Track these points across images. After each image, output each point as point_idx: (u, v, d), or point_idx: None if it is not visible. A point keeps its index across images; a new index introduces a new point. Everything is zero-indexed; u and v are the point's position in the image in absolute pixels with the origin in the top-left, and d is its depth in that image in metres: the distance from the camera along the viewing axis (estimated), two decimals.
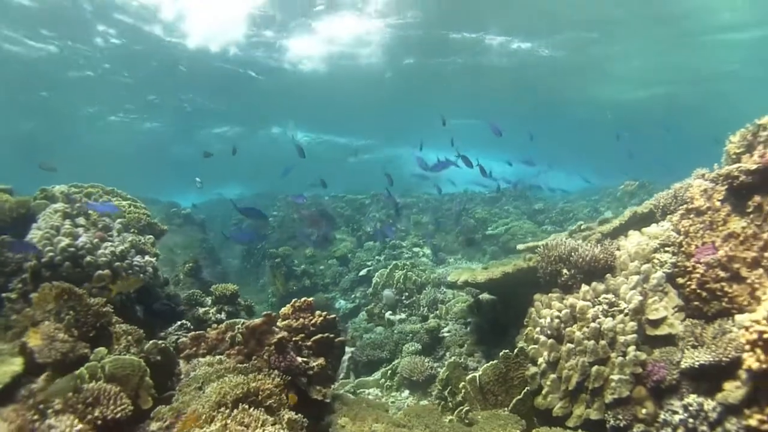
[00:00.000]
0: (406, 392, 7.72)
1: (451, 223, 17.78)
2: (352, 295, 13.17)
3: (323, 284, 14.36)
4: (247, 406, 3.92)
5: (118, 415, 4.21)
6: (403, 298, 10.57)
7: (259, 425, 3.64)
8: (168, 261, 12.78)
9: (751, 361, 4.25)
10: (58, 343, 4.80)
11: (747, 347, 4.35)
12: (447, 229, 17.33)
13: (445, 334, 8.77)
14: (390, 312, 10.43)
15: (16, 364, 4.60)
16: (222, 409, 3.94)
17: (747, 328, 4.39)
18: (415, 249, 14.74)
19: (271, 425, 3.72)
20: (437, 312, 9.71)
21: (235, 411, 3.81)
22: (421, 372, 7.62)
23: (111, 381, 4.52)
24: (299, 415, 4.25)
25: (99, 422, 4.11)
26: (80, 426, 4.00)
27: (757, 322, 4.25)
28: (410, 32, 20.29)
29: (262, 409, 3.93)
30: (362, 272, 13.36)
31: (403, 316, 10.19)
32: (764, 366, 4.14)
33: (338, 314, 12.45)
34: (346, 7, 18.40)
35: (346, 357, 9.08)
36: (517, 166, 16.69)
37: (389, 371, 8.21)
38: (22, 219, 6.87)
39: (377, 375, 8.40)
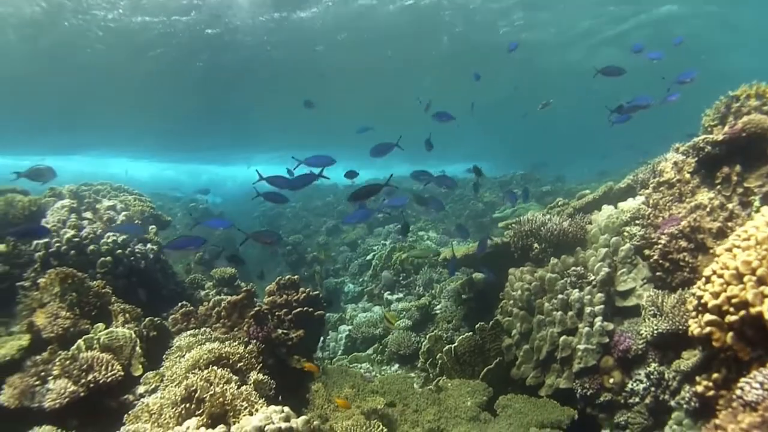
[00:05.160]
0: (396, 366, 8.15)
1: (460, 207, 18.10)
2: (360, 279, 13.56)
3: (334, 269, 14.78)
4: (215, 368, 4.43)
5: (109, 380, 4.76)
6: (401, 278, 11.03)
7: (223, 382, 4.13)
8: (185, 253, 13.22)
9: (693, 326, 4.24)
10: (60, 320, 5.37)
11: (693, 314, 4.32)
12: (456, 214, 17.66)
13: (437, 311, 9.18)
14: (388, 292, 10.90)
15: (24, 340, 5.17)
16: (195, 370, 4.46)
17: (693, 294, 4.43)
18: (420, 233, 15.12)
19: (235, 383, 4.20)
20: (432, 291, 10.13)
21: (205, 371, 4.32)
22: (407, 346, 8.05)
23: (105, 351, 5.07)
24: (266, 377, 4.72)
25: (92, 385, 4.66)
26: (73, 388, 4.56)
27: (698, 287, 4.24)
28: None
29: (228, 369, 4.43)
30: (368, 257, 13.76)
31: (400, 295, 10.66)
32: (704, 331, 4.10)
33: (347, 297, 12.93)
34: None
35: (343, 335, 9.59)
36: None
37: (380, 347, 8.67)
38: (33, 216, 7.44)
39: (370, 351, 8.87)
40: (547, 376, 6.07)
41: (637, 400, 5.23)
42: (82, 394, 4.61)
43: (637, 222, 6.13)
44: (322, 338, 9.24)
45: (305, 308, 6.15)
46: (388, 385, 6.03)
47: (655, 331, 5.12)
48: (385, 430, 4.65)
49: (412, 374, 7.61)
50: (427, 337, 7.40)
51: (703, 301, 4.08)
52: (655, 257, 5.63)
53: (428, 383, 6.63)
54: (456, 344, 6.68)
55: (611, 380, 5.45)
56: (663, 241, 5.56)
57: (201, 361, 4.62)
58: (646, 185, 6.40)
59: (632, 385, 5.28)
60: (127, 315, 5.95)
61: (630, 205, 6.42)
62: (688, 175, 5.97)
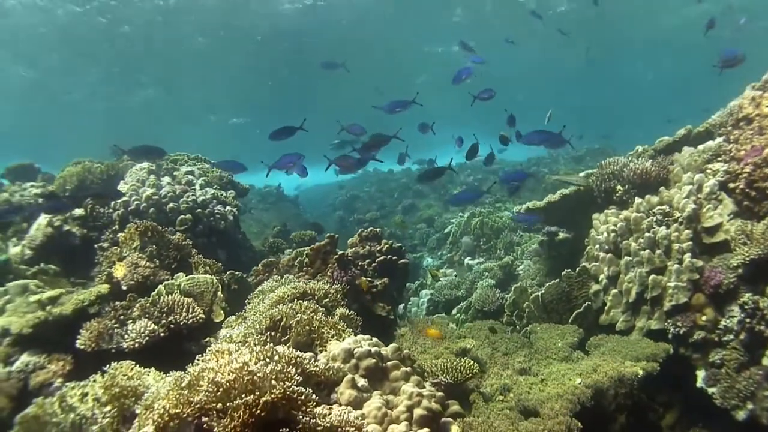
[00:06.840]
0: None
1: (533, 182, 17.78)
2: (438, 253, 13.35)
3: (411, 245, 14.61)
4: (301, 300, 4.26)
5: (190, 321, 4.64)
6: (481, 243, 10.77)
7: (310, 311, 3.96)
8: (261, 234, 13.24)
9: None
10: (140, 269, 5.31)
11: None
12: (531, 188, 17.34)
13: (520, 271, 8.92)
14: (469, 258, 10.65)
15: (103, 288, 5.11)
16: (279, 306, 4.28)
17: None
18: (497, 204, 14.84)
19: (321, 313, 4.02)
20: (513, 254, 9.84)
21: (290, 303, 4.15)
22: (492, 302, 7.77)
23: (186, 296, 4.97)
24: (353, 312, 4.54)
25: (172, 326, 4.55)
26: (153, 327, 4.45)
27: None
28: None
29: (314, 302, 4.26)
30: (446, 230, 13.53)
31: (481, 259, 10.40)
32: None
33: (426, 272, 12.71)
34: None
35: (425, 299, 9.36)
36: None
37: (464, 306, 8.43)
38: (110, 180, 7.48)
39: (454, 312, 8.64)
40: (637, 319, 5.89)
41: (731, 336, 5.14)
42: (162, 334, 4.52)
43: (719, 159, 6.02)
44: (402, 305, 9.06)
45: (389, 257, 5.97)
46: (476, 331, 5.81)
47: (747, 258, 5.09)
48: (477, 365, 4.40)
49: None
50: (513, 288, 7.18)
51: None
52: (741, 187, 5.60)
53: (514, 334, 6.38)
54: (543, 291, 6.55)
55: (704, 318, 5.33)
56: (748, 170, 5.56)
57: (285, 297, 4.47)
58: (725, 125, 6.31)
59: (725, 321, 5.19)
60: (208, 267, 5.86)
61: (710, 144, 6.26)
62: (766, 109, 5.88)
